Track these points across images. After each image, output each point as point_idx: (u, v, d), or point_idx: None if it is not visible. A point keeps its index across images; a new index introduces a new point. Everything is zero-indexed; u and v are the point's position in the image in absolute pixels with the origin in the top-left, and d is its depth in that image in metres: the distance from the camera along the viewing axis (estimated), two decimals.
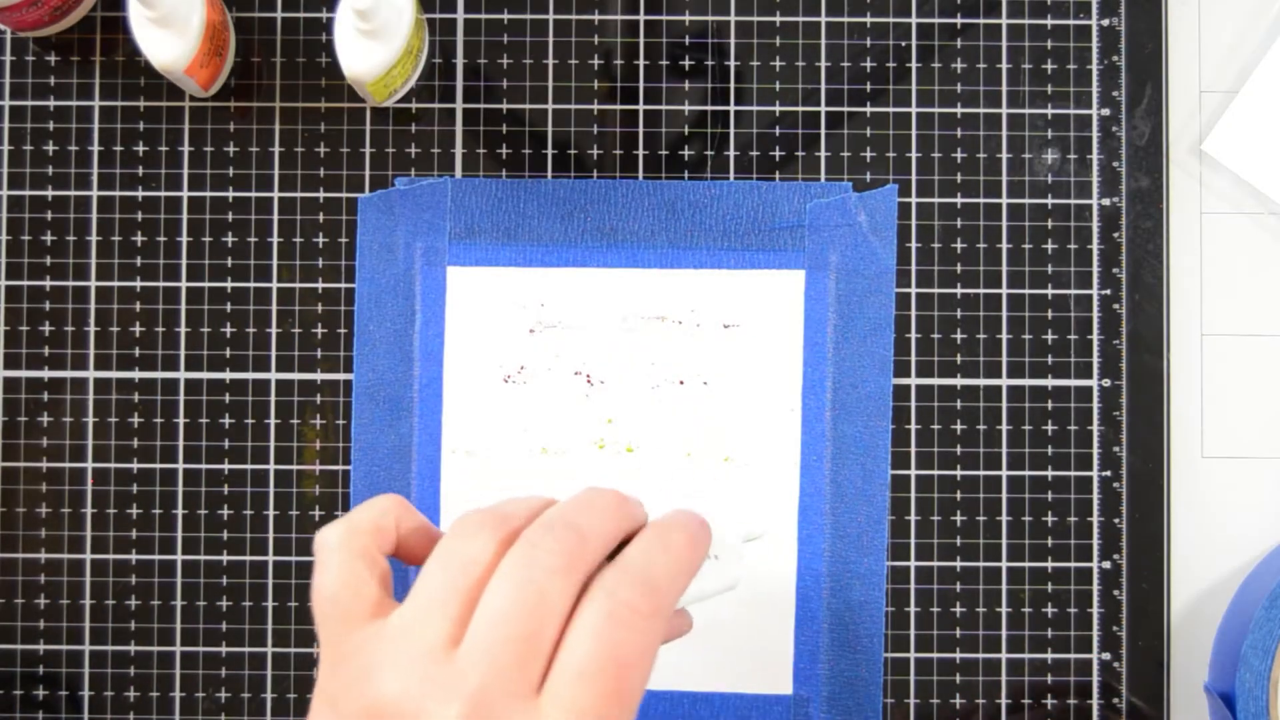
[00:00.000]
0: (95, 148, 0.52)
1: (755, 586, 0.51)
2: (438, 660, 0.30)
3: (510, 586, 0.31)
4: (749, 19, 0.52)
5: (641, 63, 0.52)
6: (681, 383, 0.51)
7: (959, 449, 0.51)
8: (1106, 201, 0.52)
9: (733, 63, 0.52)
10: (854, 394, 0.51)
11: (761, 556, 0.51)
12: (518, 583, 0.31)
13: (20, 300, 0.52)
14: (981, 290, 0.52)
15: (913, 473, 0.51)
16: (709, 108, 0.52)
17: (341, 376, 0.51)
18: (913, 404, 0.51)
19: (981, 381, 0.52)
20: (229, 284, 0.52)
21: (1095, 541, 0.51)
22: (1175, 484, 0.52)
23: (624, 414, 0.51)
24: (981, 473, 0.51)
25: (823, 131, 0.52)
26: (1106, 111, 0.52)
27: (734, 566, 0.40)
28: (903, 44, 0.52)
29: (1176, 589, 0.52)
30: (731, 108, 0.52)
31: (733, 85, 0.52)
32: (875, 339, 0.51)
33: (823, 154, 0.52)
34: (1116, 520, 0.51)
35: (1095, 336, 0.51)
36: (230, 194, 0.52)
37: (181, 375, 0.51)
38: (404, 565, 0.37)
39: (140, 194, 0.52)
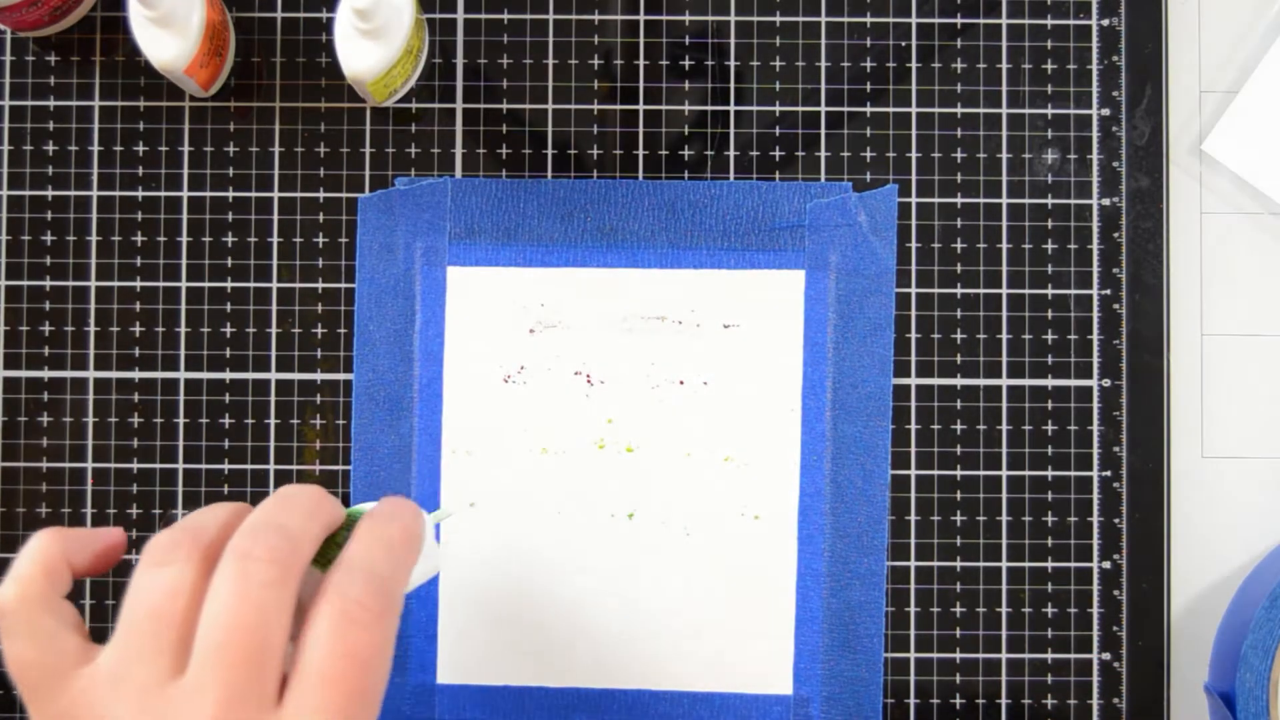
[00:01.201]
0: (95, 148, 0.52)
1: (755, 586, 0.51)
2: (164, 693, 0.30)
3: (229, 605, 0.30)
4: (749, 19, 0.52)
5: (641, 63, 0.52)
6: (681, 383, 0.51)
7: (959, 449, 0.51)
8: (1106, 201, 0.52)
9: (733, 63, 0.52)
10: (854, 394, 0.51)
11: (761, 553, 0.51)
12: (236, 600, 0.30)
13: (20, 300, 0.52)
14: (981, 290, 0.52)
15: (913, 473, 0.51)
16: (709, 108, 0.52)
17: (341, 376, 0.51)
18: (913, 404, 0.51)
19: (981, 381, 0.52)
20: (229, 284, 0.52)
21: (1095, 541, 0.51)
22: (1175, 484, 0.52)
23: (624, 414, 0.51)
24: (981, 473, 0.51)
25: (823, 131, 0.52)
26: (1106, 111, 0.52)
27: (433, 551, 0.40)
28: (903, 44, 0.52)
29: (1176, 589, 0.52)
30: (731, 108, 0.52)
31: (733, 85, 0.52)
32: (875, 339, 0.51)
33: (823, 154, 0.52)
34: (1116, 520, 0.51)
35: (1095, 336, 0.51)
36: (230, 194, 0.52)
37: (181, 375, 0.51)
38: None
39: (140, 194, 0.52)
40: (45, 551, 0.34)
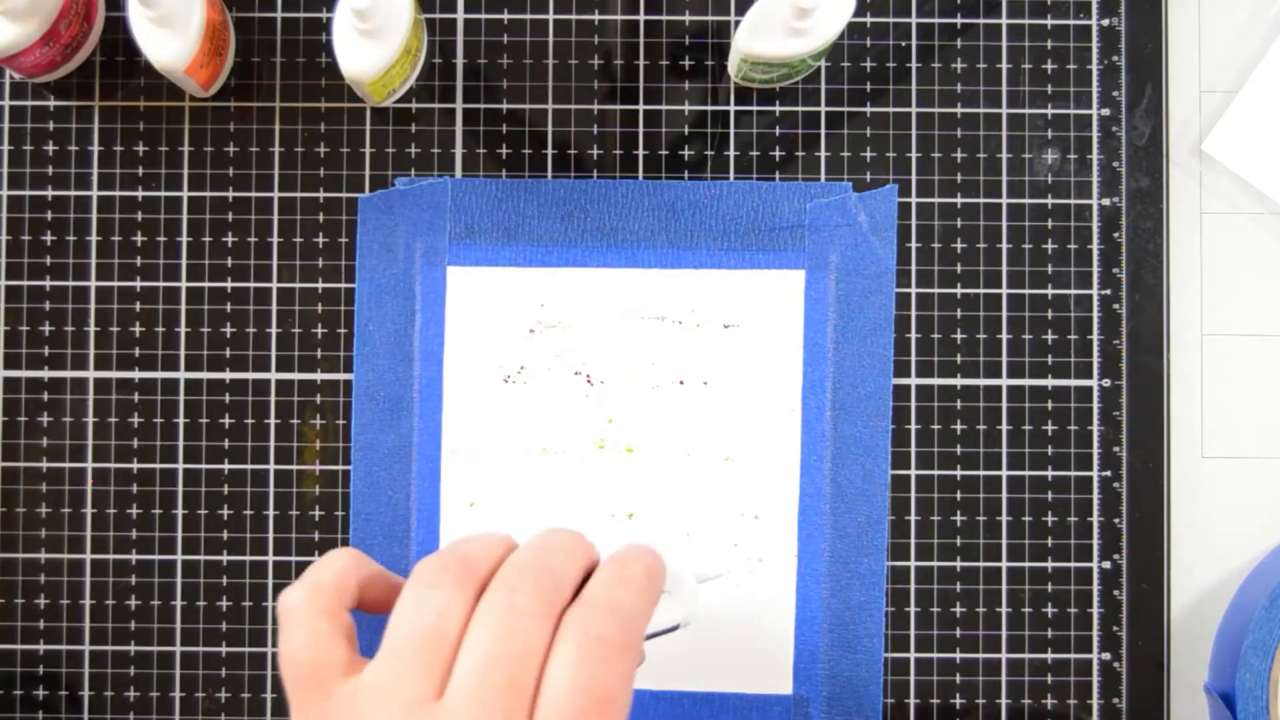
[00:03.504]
0: (95, 148, 0.52)
1: (755, 586, 0.51)
2: (424, 712, 0.30)
3: (493, 634, 0.31)
4: None
5: (641, 63, 0.52)
6: (681, 383, 0.51)
7: (959, 449, 0.51)
8: (1106, 201, 0.52)
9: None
10: (854, 394, 0.51)
11: (761, 553, 0.51)
12: (501, 629, 0.31)
13: (20, 300, 0.52)
14: (981, 290, 0.52)
15: (913, 473, 0.51)
16: (709, 108, 0.52)
17: (341, 376, 0.51)
18: (913, 404, 0.51)
19: (981, 381, 0.52)
20: (229, 284, 0.52)
21: (1095, 541, 0.51)
22: (1175, 484, 0.52)
23: (624, 414, 0.51)
24: (981, 473, 0.51)
25: (823, 131, 0.52)
26: (1106, 111, 0.52)
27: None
28: (903, 44, 0.52)
29: (1176, 589, 0.52)
30: (731, 108, 0.52)
31: (733, 85, 0.52)
32: (875, 339, 0.51)
33: (823, 154, 0.52)
34: (1116, 520, 0.51)
35: (1095, 336, 0.51)
36: (230, 194, 0.52)
37: (181, 375, 0.51)
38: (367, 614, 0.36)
39: (140, 194, 0.52)
40: (343, 568, 0.35)
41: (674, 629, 0.41)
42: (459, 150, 0.52)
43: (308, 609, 0.34)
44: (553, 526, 0.36)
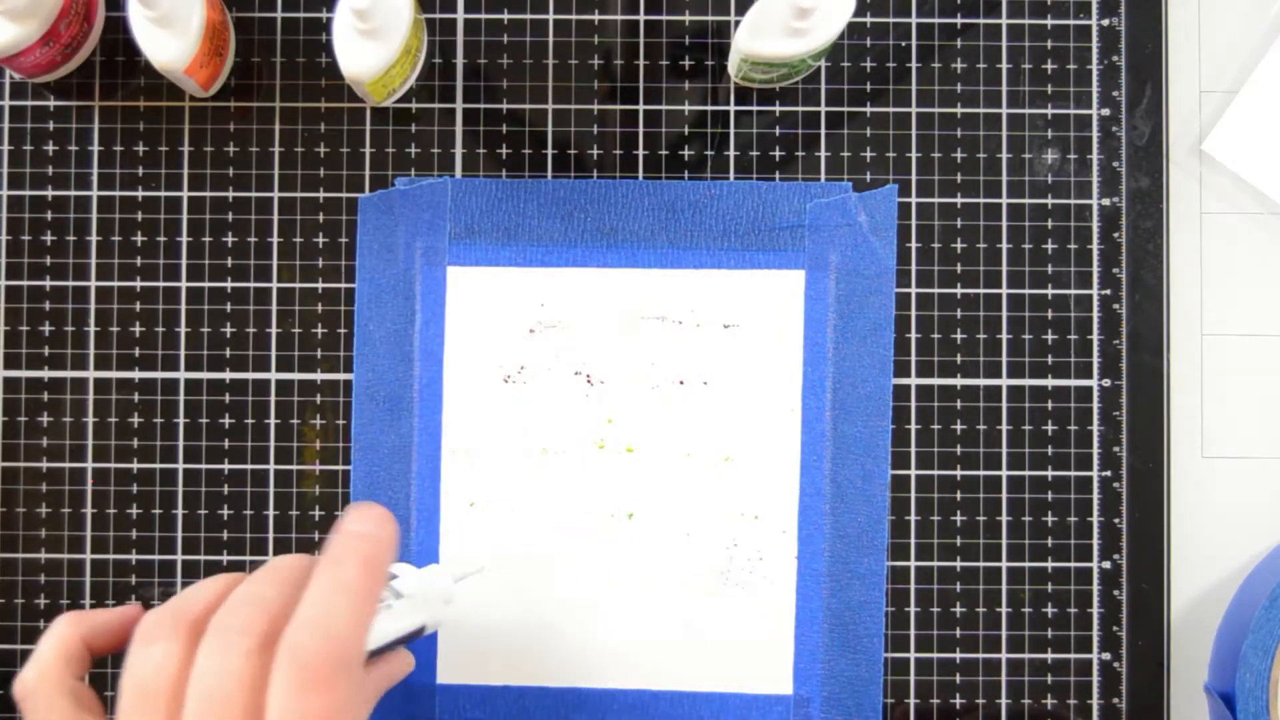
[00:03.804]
0: (95, 148, 0.52)
1: (755, 586, 0.51)
2: None
3: (207, 677, 0.32)
4: None
5: (641, 63, 0.52)
6: (681, 383, 0.51)
7: (959, 449, 0.51)
8: (1106, 201, 0.52)
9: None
10: (854, 394, 0.51)
11: (761, 553, 0.51)
12: (212, 671, 0.32)
13: (20, 300, 0.52)
14: (981, 290, 0.52)
15: (913, 473, 0.51)
16: (709, 108, 0.52)
17: (341, 376, 0.51)
18: (913, 404, 0.51)
19: (981, 381, 0.52)
20: (229, 284, 0.52)
21: (1095, 541, 0.51)
22: (1175, 484, 0.52)
23: (624, 414, 0.51)
24: (981, 473, 0.51)
25: (823, 131, 0.52)
26: (1106, 111, 0.52)
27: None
28: (903, 44, 0.52)
29: (1176, 589, 0.52)
30: (731, 108, 0.52)
31: (733, 85, 0.52)
32: (875, 339, 0.51)
33: (823, 154, 0.52)
34: (1116, 520, 0.51)
35: (1095, 336, 0.51)
36: (230, 194, 0.52)
37: (181, 375, 0.51)
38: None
39: (140, 194, 0.52)
40: (63, 636, 0.36)
41: (419, 632, 0.40)
42: (459, 150, 0.52)
43: (37, 689, 0.35)
44: (282, 555, 0.37)
